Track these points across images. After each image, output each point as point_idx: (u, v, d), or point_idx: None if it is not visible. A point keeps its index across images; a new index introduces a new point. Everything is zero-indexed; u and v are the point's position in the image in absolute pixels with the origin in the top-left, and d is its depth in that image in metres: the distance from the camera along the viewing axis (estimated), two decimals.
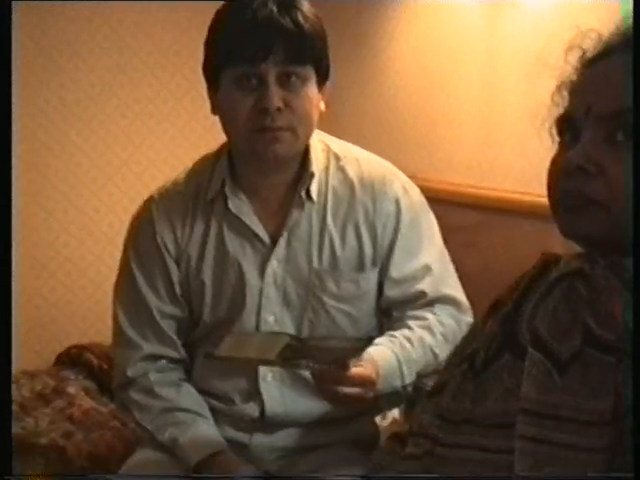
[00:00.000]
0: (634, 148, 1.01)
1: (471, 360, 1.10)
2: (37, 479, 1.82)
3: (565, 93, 1.13)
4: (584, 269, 1.01)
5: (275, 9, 1.63)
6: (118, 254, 1.88)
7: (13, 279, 3.22)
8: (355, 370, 1.52)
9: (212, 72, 1.70)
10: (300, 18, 1.64)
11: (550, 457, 0.97)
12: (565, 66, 1.14)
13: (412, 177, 1.89)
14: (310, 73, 1.67)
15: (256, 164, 1.73)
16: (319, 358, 1.48)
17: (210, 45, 1.71)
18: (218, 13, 1.71)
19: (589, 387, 0.97)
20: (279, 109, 1.63)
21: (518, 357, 1.03)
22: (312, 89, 1.68)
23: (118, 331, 1.83)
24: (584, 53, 1.12)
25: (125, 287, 1.83)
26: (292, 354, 1.48)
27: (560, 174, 1.06)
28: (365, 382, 1.55)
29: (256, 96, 1.64)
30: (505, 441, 1.02)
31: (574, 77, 1.12)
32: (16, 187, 3.15)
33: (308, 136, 1.72)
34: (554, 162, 1.10)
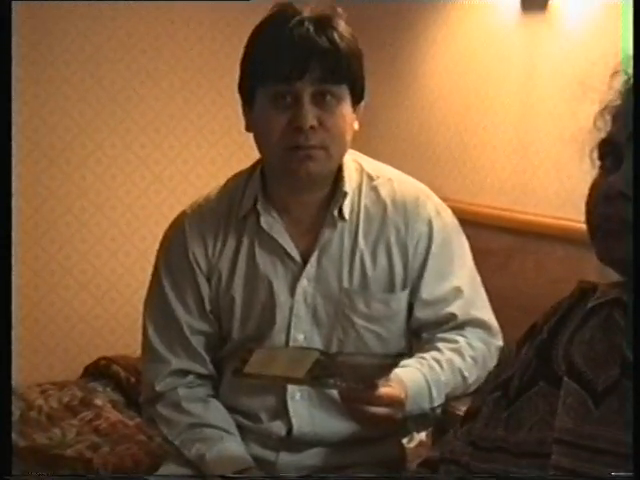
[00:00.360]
0: (634, 149, 1.01)
1: (505, 387, 1.09)
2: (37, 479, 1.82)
3: (608, 118, 1.12)
4: (622, 298, 1.01)
5: (312, 28, 1.64)
6: (149, 268, 1.88)
7: (45, 290, 3.26)
8: (383, 390, 1.52)
9: (247, 89, 1.71)
10: (336, 37, 1.65)
11: None
12: (609, 91, 1.13)
13: (445, 199, 1.88)
14: (345, 92, 1.67)
15: (289, 182, 1.73)
16: (347, 376, 1.47)
17: (246, 62, 1.71)
18: (255, 31, 1.72)
19: (626, 419, 0.96)
20: (313, 127, 1.63)
21: (553, 386, 1.02)
22: (347, 108, 1.68)
23: (147, 345, 1.83)
24: (629, 78, 1.11)
25: (155, 301, 1.83)
26: (320, 372, 1.47)
27: (600, 199, 1.05)
28: (393, 402, 1.54)
29: (290, 114, 1.64)
30: (539, 471, 1.01)
31: (618, 102, 1.11)
32: (52, 197, 3.19)
33: (341, 155, 1.72)
34: (594, 186, 1.09)
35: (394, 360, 1.48)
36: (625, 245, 1.03)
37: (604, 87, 1.13)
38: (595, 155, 1.12)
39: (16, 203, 2.95)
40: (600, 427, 0.97)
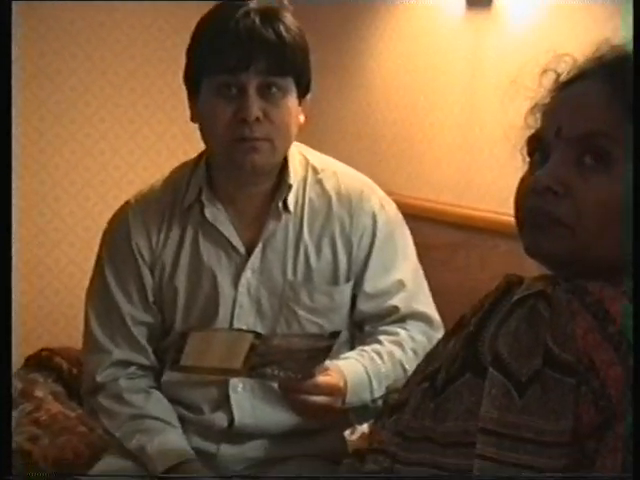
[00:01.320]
0: (634, 150, 1.02)
1: (432, 379, 1.10)
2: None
3: (538, 115, 1.14)
4: (546, 291, 1.03)
5: (258, 20, 1.64)
6: (92, 258, 1.87)
7: None
8: (322, 379, 1.53)
9: (193, 80, 1.71)
10: (282, 30, 1.65)
11: (509, 478, 0.98)
12: (539, 89, 1.15)
13: (389, 193, 1.90)
14: (291, 85, 1.68)
15: (234, 174, 1.73)
16: (284, 363, 1.48)
17: (192, 53, 1.71)
18: (201, 21, 1.71)
19: (548, 408, 0.98)
20: (258, 119, 1.64)
21: (479, 377, 1.04)
22: (292, 101, 1.69)
23: (89, 335, 1.82)
24: (558, 76, 1.14)
25: (97, 291, 1.82)
26: (257, 360, 1.46)
27: (528, 193, 1.07)
28: (332, 391, 1.55)
29: (236, 106, 1.64)
30: (465, 460, 1.02)
31: (547, 100, 1.14)
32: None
33: (286, 148, 1.73)
34: (523, 181, 1.11)
35: (329, 340, 1.47)
36: (552, 239, 1.05)
37: (535, 85, 1.15)
38: (525, 151, 1.14)
39: None
40: (523, 416, 0.99)
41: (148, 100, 3.36)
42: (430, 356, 1.18)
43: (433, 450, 1.06)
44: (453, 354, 1.09)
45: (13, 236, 3.17)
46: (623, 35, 1.10)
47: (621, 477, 0.97)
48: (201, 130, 1.73)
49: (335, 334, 1.49)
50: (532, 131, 1.14)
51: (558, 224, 1.05)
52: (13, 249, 3.16)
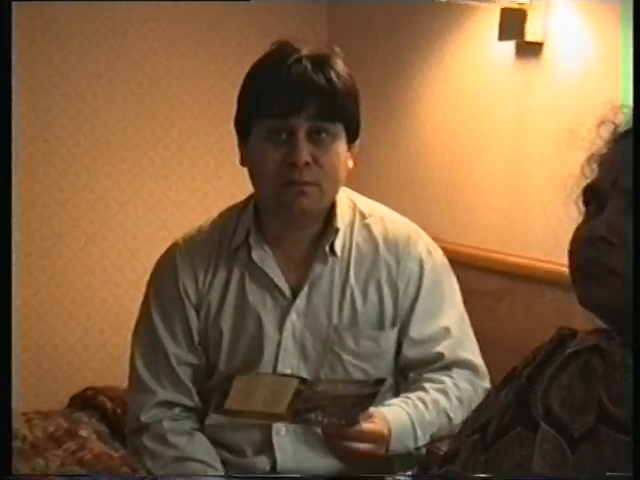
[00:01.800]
0: (634, 150, 1.02)
1: (483, 431, 1.09)
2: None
3: (594, 166, 1.14)
4: (600, 345, 1.02)
5: (309, 66, 1.66)
6: (139, 298, 1.88)
7: (35, 318, 3.23)
8: (366, 426, 1.52)
9: (243, 124, 1.73)
10: (333, 75, 1.67)
11: None
12: (596, 139, 1.15)
13: (435, 239, 1.90)
14: (340, 130, 1.69)
15: (282, 217, 1.74)
16: (329, 408, 1.47)
17: (243, 97, 1.73)
18: (253, 66, 1.74)
19: (602, 465, 0.96)
20: (307, 164, 1.65)
21: (531, 430, 1.03)
22: (341, 146, 1.70)
23: (134, 375, 1.83)
24: (616, 127, 1.13)
25: (144, 331, 1.83)
26: (301, 405, 1.46)
27: (583, 243, 1.07)
28: (376, 438, 1.55)
29: (285, 150, 1.66)
30: None
31: (604, 150, 1.13)
32: (45, 226, 3.18)
33: (335, 192, 1.74)
34: (578, 230, 1.10)
35: (374, 387, 1.47)
36: (605, 290, 1.04)
37: (592, 135, 1.14)
38: (581, 202, 1.14)
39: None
40: (576, 472, 0.98)
41: (196, 142, 3.39)
42: (481, 407, 1.17)
43: None
44: (504, 406, 1.08)
45: (60, 276, 3.21)
46: None
47: (621, 477, 0.95)
48: (250, 174, 1.75)
49: (380, 381, 1.48)
50: (588, 181, 1.13)
51: (612, 274, 1.03)
52: (62, 289, 3.20)
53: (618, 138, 1.12)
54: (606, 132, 1.13)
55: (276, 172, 1.67)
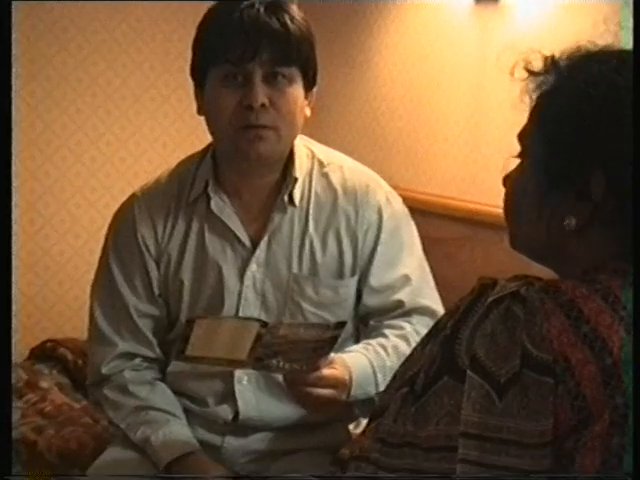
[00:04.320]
0: (634, 149, 1.03)
1: (412, 383, 1.10)
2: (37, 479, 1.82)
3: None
4: (520, 292, 1.03)
5: (262, 10, 1.65)
6: (98, 250, 1.87)
7: None
8: (327, 371, 1.54)
9: (199, 71, 1.72)
10: (287, 20, 1.66)
11: None
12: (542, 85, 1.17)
13: (395, 188, 1.89)
14: (296, 75, 1.68)
15: (239, 165, 1.73)
16: (291, 355, 1.48)
17: (198, 44, 1.72)
18: (207, 13, 1.72)
19: (529, 409, 0.99)
20: (264, 106, 1.64)
21: (458, 380, 1.04)
22: (298, 90, 1.69)
23: (94, 328, 1.82)
24: (558, 78, 1.15)
25: (103, 284, 1.83)
26: (263, 350, 1.47)
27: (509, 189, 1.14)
28: (337, 384, 1.56)
29: (241, 93, 1.65)
30: (448, 464, 1.02)
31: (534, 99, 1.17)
32: None
33: (292, 138, 1.73)
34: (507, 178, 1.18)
35: (335, 331, 1.48)
36: (528, 230, 1.12)
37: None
38: None
39: None
40: (504, 418, 0.99)
41: (154, 93, 3.36)
42: (408, 361, 1.17)
43: (415, 455, 1.06)
44: (431, 358, 1.09)
45: (18, 229, 3.19)
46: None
47: (621, 477, 0.97)
48: (207, 121, 1.74)
49: (341, 324, 1.49)
50: None
51: (519, 216, 1.14)
52: (18, 242, 3.17)
53: (542, 94, 1.13)
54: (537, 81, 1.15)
55: (232, 116, 1.66)
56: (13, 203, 3.18)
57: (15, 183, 3.16)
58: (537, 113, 1.12)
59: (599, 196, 1.06)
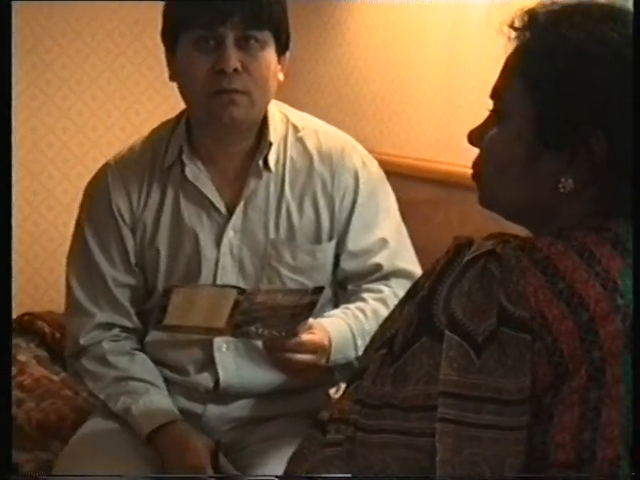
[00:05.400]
0: (634, 148, 1.04)
1: (390, 344, 1.10)
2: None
3: None
4: (496, 250, 1.03)
5: None
6: (72, 221, 1.86)
7: None
8: (306, 337, 1.54)
9: (170, 36, 1.70)
10: None
11: (471, 438, 1.00)
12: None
13: (370, 151, 1.89)
14: (269, 39, 1.67)
15: (213, 130, 1.72)
16: (269, 321, 1.48)
17: (169, 9, 1.71)
18: None
19: (507, 366, 0.99)
20: (236, 71, 1.63)
21: (436, 340, 1.04)
22: (271, 54, 1.68)
23: (71, 299, 1.82)
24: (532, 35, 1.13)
25: (79, 255, 1.82)
26: (241, 317, 1.47)
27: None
28: (316, 349, 1.57)
29: (213, 58, 1.64)
30: (428, 424, 1.02)
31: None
32: None
33: (265, 103, 1.72)
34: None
35: (313, 296, 1.48)
36: (507, 190, 1.12)
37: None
38: None
39: None
40: (482, 376, 1.00)
41: (124, 61, 3.33)
42: (387, 322, 1.18)
43: (395, 416, 1.06)
44: (409, 319, 1.09)
45: None
46: None
47: (621, 477, 0.98)
48: (180, 87, 1.72)
49: (319, 289, 1.50)
50: None
51: (482, 177, 1.14)
52: None
53: (529, 52, 1.11)
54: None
55: (205, 81, 1.65)
56: None
57: None
58: (521, 71, 1.10)
59: (601, 156, 1.06)
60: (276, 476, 1.34)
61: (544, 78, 1.08)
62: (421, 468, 1.03)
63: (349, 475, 1.08)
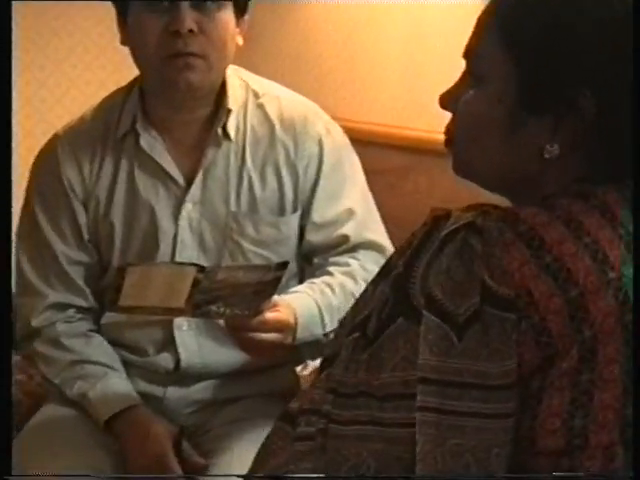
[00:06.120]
0: (634, 146, 1.00)
1: (363, 328, 1.03)
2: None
3: None
4: (476, 222, 0.96)
5: None
6: (20, 197, 1.79)
7: None
8: (270, 315, 1.52)
9: None
10: None
11: (454, 427, 0.94)
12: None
13: (334, 118, 1.86)
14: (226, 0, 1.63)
15: (169, 97, 1.69)
16: (231, 300, 1.45)
17: None
18: None
19: (491, 348, 0.94)
20: (192, 32, 1.60)
21: (413, 321, 0.97)
22: (228, 16, 1.64)
23: (21, 279, 1.77)
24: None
25: (28, 232, 1.78)
26: (201, 296, 1.43)
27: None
28: (282, 327, 1.55)
29: (167, 18, 1.61)
30: (405, 413, 0.97)
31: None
32: None
33: (223, 67, 1.68)
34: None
35: (276, 272, 1.45)
36: (485, 156, 1.05)
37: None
38: None
39: None
40: (465, 360, 0.94)
41: (72, 28, 3.24)
42: (358, 303, 1.11)
43: (370, 405, 1.00)
44: (383, 299, 1.02)
45: None
46: None
47: (621, 477, 0.95)
48: (132, 51, 1.69)
49: (283, 265, 1.47)
50: None
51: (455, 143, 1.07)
52: None
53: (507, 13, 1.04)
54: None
55: (159, 43, 1.61)
56: None
57: None
58: (497, 26, 1.03)
59: (590, 118, 1.00)
60: (239, 476, 1.26)
61: (523, 32, 1.01)
62: (400, 461, 0.97)
63: (322, 475, 1.01)
